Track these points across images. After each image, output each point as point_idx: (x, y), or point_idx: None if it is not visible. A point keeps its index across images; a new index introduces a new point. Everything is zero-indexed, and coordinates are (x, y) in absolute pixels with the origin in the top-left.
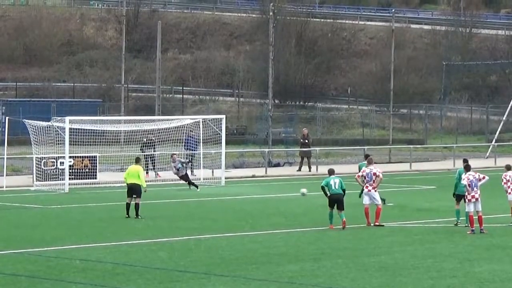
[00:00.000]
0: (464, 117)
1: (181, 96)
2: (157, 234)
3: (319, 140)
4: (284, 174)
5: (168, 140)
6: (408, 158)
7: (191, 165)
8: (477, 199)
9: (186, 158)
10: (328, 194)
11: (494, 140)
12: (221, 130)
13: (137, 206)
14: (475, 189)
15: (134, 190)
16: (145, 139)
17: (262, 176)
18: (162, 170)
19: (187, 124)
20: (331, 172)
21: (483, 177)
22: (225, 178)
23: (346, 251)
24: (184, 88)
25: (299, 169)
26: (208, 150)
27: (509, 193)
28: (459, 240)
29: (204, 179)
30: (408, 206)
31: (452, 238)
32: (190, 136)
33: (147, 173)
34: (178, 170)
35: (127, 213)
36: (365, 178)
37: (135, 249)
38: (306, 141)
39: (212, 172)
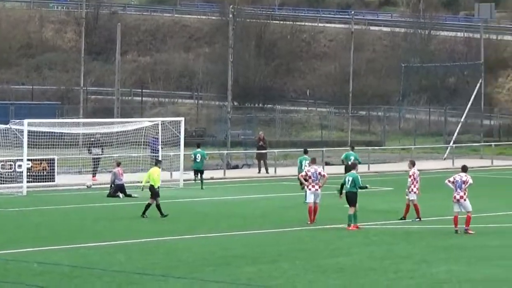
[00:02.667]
0: (422, 118)
1: (140, 98)
2: (115, 237)
3: (277, 142)
4: (243, 176)
5: (127, 143)
6: (366, 159)
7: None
8: (458, 200)
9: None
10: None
11: (452, 142)
12: (180, 132)
13: (158, 206)
14: (458, 190)
15: (151, 191)
16: (92, 139)
17: (221, 178)
18: (126, 172)
19: (146, 127)
20: (349, 167)
21: (467, 181)
22: (184, 180)
23: (304, 252)
24: (143, 90)
25: (259, 171)
26: (167, 152)
27: (410, 192)
28: (417, 241)
29: (162, 181)
30: (366, 208)
31: (409, 239)
32: (156, 138)
33: (94, 175)
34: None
35: (143, 213)
36: (310, 177)
37: (93, 251)
38: (262, 143)
39: (171, 174)
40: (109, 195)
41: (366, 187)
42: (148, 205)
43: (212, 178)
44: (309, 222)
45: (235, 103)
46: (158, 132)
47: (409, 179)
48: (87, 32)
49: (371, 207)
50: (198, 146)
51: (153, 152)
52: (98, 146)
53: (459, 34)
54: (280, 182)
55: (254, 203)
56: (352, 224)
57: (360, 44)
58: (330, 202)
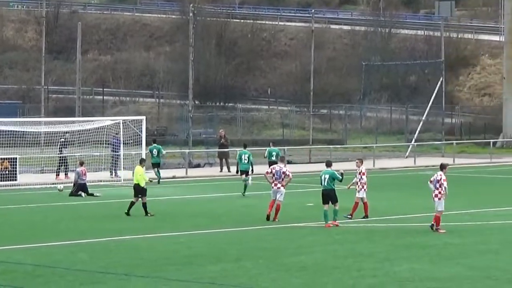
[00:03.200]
0: (384, 117)
1: (101, 97)
2: (77, 236)
3: (239, 141)
4: (205, 175)
5: (89, 142)
6: (328, 158)
7: (115, 166)
8: (433, 198)
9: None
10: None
11: (413, 140)
12: (141, 131)
13: (144, 205)
14: (433, 188)
15: (135, 190)
16: (62, 139)
17: (183, 177)
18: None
19: (107, 126)
20: (328, 164)
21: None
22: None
23: (267, 251)
24: (104, 89)
25: (221, 170)
26: (129, 151)
27: (360, 189)
28: (379, 240)
29: (124, 180)
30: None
31: (372, 238)
32: (117, 138)
33: (58, 174)
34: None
35: (127, 211)
36: (274, 175)
37: (56, 250)
38: (223, 141)
39: (133, 173)
40: (71, 194)
41: (342, 175)
42: (132, 203)
43: (174, 177)
44: (267, 213)
45: (196, 102)
46: (120, 131)
47: (358, 176)
48: (47, 31)
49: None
50: (154, 142)
51: (114, 151)
52: (67, 146)
53: (419, 32)
54: (241, 181)
55: (216, 201)
56: (331, 221)
57: (320, 42)
58: (292, 201)
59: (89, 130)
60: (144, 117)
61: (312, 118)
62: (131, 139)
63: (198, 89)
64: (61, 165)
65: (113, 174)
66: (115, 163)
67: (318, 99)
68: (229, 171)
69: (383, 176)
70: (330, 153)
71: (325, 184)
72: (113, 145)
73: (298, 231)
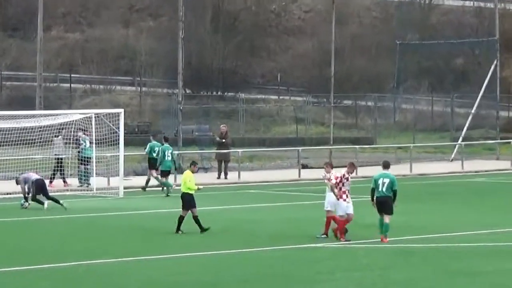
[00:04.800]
0: (423, 109)
1: (68, 85)
2: (39, 259)
3: (242, 140)
4: (198, 183)
5: (51, 141)
6: (354, 161)
7: (86, 173)
8: None
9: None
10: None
11: (460, 139)
12: (118, 127)
13: (195, 219)
14: None
15: (184, 201)
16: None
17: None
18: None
19: (75, 121)
20: (385, 165)
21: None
22: (124, 188)
23: (276, 278)
24: (72, 75)
25: (219, 176)
26: (103, 153)
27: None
28: (417, 265)
29: (97, 189)
30: (354, 222)
31: (408, 262)
32: (80, 137)
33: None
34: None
35: (177, 229)
36: (342, 184)
37: (10, 279)
38: (224, 140)
39: (108, 180)
40: (34, 199)
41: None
42: (181, 219)
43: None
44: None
45: (188, 91)
46: (91, 128)
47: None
48: (0, 3)
49: (360, 222)
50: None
51: (83, 153)
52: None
53: (467, 3)
54: (244, 190)
55: (212, 216)
56: (385, 236)
57: (343, 16)
58: (309, 215)
59: (52, 127)
60: (122, 110)
61: (334, 111)
62: (106, 138)
63: (189, 75)
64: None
65: (83, 182)
66: (85, 169)
67: (341, 87)
68: (225, 177)
69: (422, 184)
70: (356, 155)
71: (383, 190)
72: (78, 144)
73: (315, 253)
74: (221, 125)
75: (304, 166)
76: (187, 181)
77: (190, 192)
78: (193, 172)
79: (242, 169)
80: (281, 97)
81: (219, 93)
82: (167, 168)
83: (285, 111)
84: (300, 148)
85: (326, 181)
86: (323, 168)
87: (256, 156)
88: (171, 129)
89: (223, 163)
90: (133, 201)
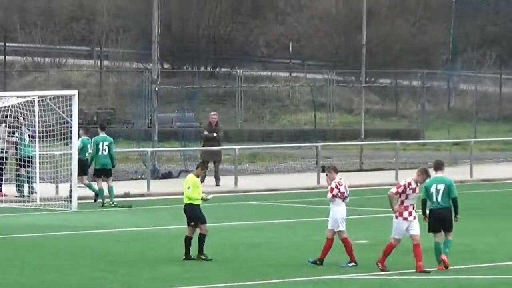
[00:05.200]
0: (488, 91)
1: (2, 57)
2: None
3: (239, 133)
4: (179, 192)
5: None
6: (392, 162)
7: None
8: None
9: None
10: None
11: None
12: (71, 116)
13: (201, 239)
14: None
15: (187, 215)
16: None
17: (142, 195)
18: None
19: (10, 106)
20: (438, 166)
21: None
22: (78, 198)
23: None
24: (7, 44)
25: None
26: (50, 151)
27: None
28: None
29: (42, 199)
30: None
31: None
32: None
33: None
34: None
35: (186, 254)
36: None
37: None
38: (215, 134)
39: (56, 188)
40: None
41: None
42: (188, 240)
43: (127, 195)
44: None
45: (166, 66)
46: (34, 116)
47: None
48: None
49: (406, 244)
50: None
51: (20, 150)
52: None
53: None
54: (243, 202)
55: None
56: (443, 257)
57: None
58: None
59: None
60: (76, 92)
61: (365, 94)
62: (54, 131)
63: (168, 44)
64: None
65: (22, 190)
66: (26, 172)
67: (375, 60)
68: (217, 183)
69: (488, 194)
70: (397, 153)
71: (439, 199)
72: (17, 138)
73: (341, 286)
74: (211, 113)
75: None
76: (189, 188)
77: (195, 203)
78: (198, 176)
79: (240, 173)
80: (293, 75)
81: (208, 69)
82: (101, 166)
83: (299, 93)
84: (319, 144)
85: (329, 195)
86: (343, 172)
87: (259, 155)
88: (143, 118)
89: (213, 165)
90: (90, 216)
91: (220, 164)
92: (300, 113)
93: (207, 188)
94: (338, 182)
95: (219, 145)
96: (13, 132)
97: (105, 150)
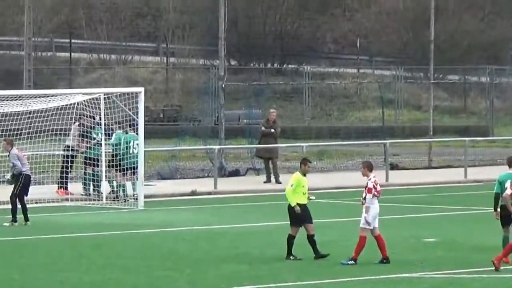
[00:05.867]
0: None
1: (67, 54)
2: None
3: (307, 130)
4: (246, 190)
5: (44, 132)
6: (461, 160)
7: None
8: None
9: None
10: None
11: None
12: (137, 113)
13: (310, 239)
14: None
15: (290, 214)
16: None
17: (209, 193)
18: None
19: (77, 104)
20: (511, 163)
21: None
22: (145, 196)
23: None
24: (72, 41)
25: (268, 180)
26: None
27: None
28: None
29: (108, 198)
30: (462, 244)
31: None
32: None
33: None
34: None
35: (288, 253)
36: None
37: None
38: (272, 130)
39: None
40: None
41: None
42: (291, 239)
43: (194, 193)
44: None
45: (232, 63)
46: (100, 113)
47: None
48: None
49: (469, 243)
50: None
51: (88, 147)
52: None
53: None
54: (312, 201)
55: (265, 235)
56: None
57: None
58: (398, 234)
59: (46, 112)
60: (142, 89)
61: (434, 90)
62: (120, 127)
63: (235, 41)
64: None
65: (88, 188)
66: (93, 171)
67: (444, 57)
68: (276, 181)
69: None
70: (466, 150)
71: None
72: (97, 139)
73: (411, 285)
74: (271, 110)
75: (394, 167)
76: (292, 186)
77: (301, 202)
78: (304, 174)
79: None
80: (361, 71)
81: (275, 65)
82: (132, 165)
83: (366, 89)
84: (387, 142)
85: (369, 195)
86: (412, 169)
87: (326, 152)
88: (210, 115)
89: (270, 162)
90: (156, 215)
91: (276, 161)
92: (368, 110)
93: (269, 185)
94: (374, 181)
95: (275, 142)
96: (89, 132)
97: (135, 148)
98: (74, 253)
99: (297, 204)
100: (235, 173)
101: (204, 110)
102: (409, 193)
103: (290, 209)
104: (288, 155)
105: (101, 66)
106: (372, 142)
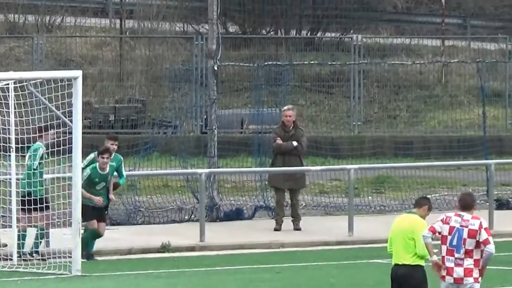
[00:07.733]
0: None
1: None
2: None
3: (355, 141)
4: (253, 243)
5: None
6: None
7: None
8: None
9: None
10: None
11: None
12: (70, 113)
13: None
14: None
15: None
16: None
17: (191, 249)
18: None
19: None
20: None
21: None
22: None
23: None
24: None
25: (278, 225)
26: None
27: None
28: None
29: (21, 256)
30: None
31: None
32: None
33: None
34: None
35: None
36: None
37: None
38: (294, 143)
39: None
40: None
41: None
42: None
43: (165, 248)
44: None
45: (232, 30)
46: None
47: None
48: None
49: None
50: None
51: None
52: None
53: None
54: (357, 260)
55: None
56: None
57: None
58: None
59: None
60: (79, 73)
61: None
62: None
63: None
64: None
65: None
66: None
67: None
68: (296, 226)
69: None
70: None
71: None
72: None
73: None
74: (284, 108)
75: (503, 204)
76: (418, 237)
77: (421, 264)
78: (424, 217)
79: (357, 218)
80: (448, 43)
81: (302, 33)
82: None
83: (456, 74)
84: (492, 162)
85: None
86: None
87: (389, 179)
88: (192, 117)
89: (288, 195)
90: (105, 286)
91: (298, 194)
92: (458, 109)
93: (282, 235)
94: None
95: (300, 162)
96: None
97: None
98: None
99: (417, 266)
100: (236, 214)
101: (184, 108)
102: None
103: (401, 275)
104: (323, 184)
105: (11, 34)
106: (467, 164)
